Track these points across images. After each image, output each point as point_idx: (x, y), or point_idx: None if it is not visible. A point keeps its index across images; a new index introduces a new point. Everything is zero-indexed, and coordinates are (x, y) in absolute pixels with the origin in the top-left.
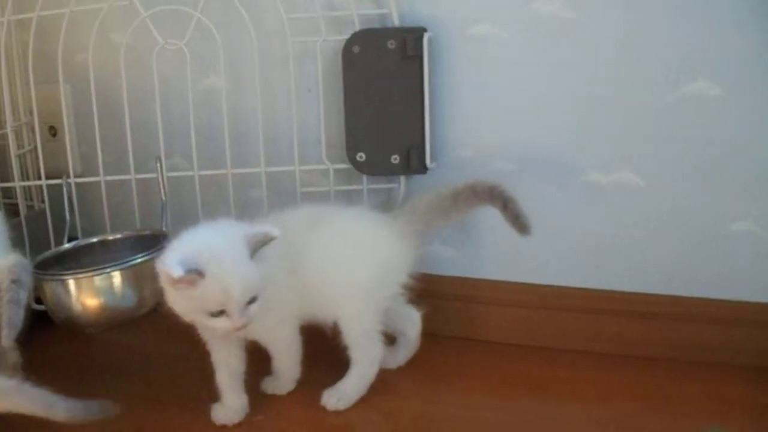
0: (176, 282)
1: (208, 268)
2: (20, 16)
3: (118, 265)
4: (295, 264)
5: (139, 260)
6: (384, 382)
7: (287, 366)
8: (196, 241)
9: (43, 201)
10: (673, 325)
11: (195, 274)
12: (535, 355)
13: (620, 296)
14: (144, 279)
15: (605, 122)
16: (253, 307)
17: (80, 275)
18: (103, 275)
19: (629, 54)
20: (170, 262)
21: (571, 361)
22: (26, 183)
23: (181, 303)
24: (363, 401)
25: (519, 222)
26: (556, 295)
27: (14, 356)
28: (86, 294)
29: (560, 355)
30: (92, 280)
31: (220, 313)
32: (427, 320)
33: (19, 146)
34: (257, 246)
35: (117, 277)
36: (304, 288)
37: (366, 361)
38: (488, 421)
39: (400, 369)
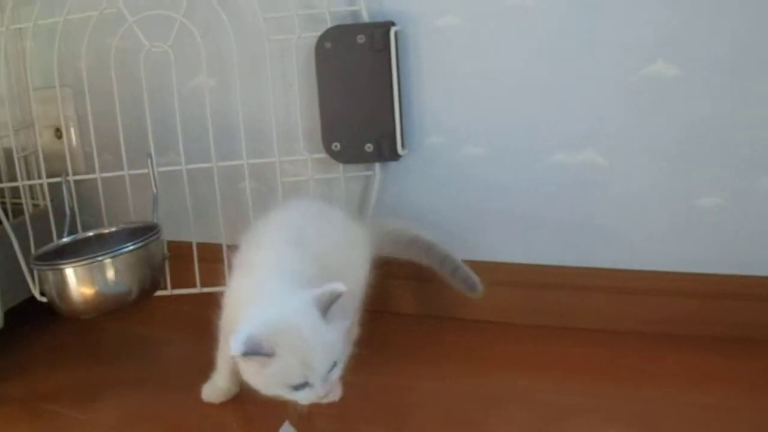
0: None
1: (282, 345)
2: (18, 26)
3: (109, 253)
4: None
5: (129, 248)
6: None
7: None
8: (265, 316)
9: (51, 199)
10: (645, 299)
11: (262, 356)
12: (513, 332)
13: (593, 272)
14: (134, 266)
15: (569, 105)
16: (336, 371)
17: (74, 264)
18: (96, 263)
19: (590, 39)
20: (235, 342)
21: (546, 337)
22: (29, 182)
23: (257, 379)
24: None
25: (467, 284)
26: (531, 273)
27: None
28: (80, 282)
29: (536, 331)
30: (87, 269)
31: (303, 385)
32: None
33: (24, 148)
34: (327, 305)
35: (108, 265)
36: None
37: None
38: (458, 392)
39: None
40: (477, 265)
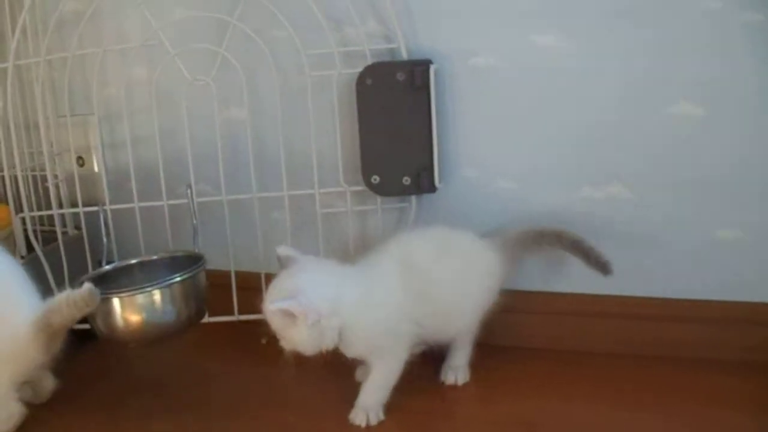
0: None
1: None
2: (57, 56)
3: (159, 284)
4: (422, 291)
5: (178, 279)
6: None
7: (380, 389)
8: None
9: (76, 227)
10: (667, 325)
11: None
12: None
13: (618, 300)
14: (182, 296)
15: (597, 142)
16: None
17: (124, 294)
18: (145, 293)
19: (617, 79)
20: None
21: (581, 362)
22: (65, 210)
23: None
24: None
25: (600, 265)
26: (565, 301)
27: (49, 382)
28: (129, 311)
29: (568, 357)
30: (135, 298)
31: None
32: None
33: (54, 176)
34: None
35: (157, 295)
36: (428, 311)
37: (472, 340)
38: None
39: None
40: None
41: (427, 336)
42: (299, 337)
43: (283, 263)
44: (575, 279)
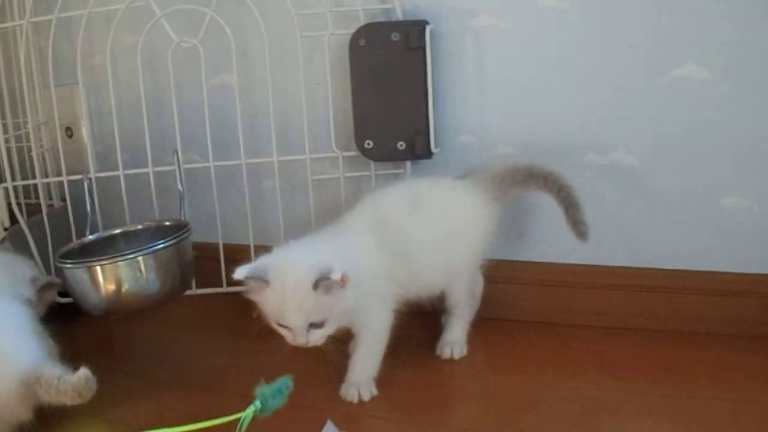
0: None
1: (272, 282)
2: (40, 19)
3: (141, 250)
4: (399, 250)
5: (162, 246)
6: None
7: (368, 360)
8: (280, 254)
9: (62, 199)
10: (670, 297)
11: (259, 281)
12: (545, 330)
13: (621, 271)
14: (166, 264)
15: (600, 106)
16: (319, 332)
17: (105, 262)
18: (127, 261)
19: (621, 41)
20: (243, 267)
21: (575, 335)
22: (48, 180)
23: (261, 304)
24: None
25: (577, 228)
26: (561, 272)
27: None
28: (110, 280)
29: (564, 330)
30: (116, 266)
31: (285, 325)
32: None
33: (38, 148)
34: (321, 278)
35: (140, 263)
36: (410, 272)
37: (467, 311)
38: (497, 390)
39: None
40: (507, 265)
41: (412, 296)
42: (346, 304)
43: (253, 282)
44: (582, 248)
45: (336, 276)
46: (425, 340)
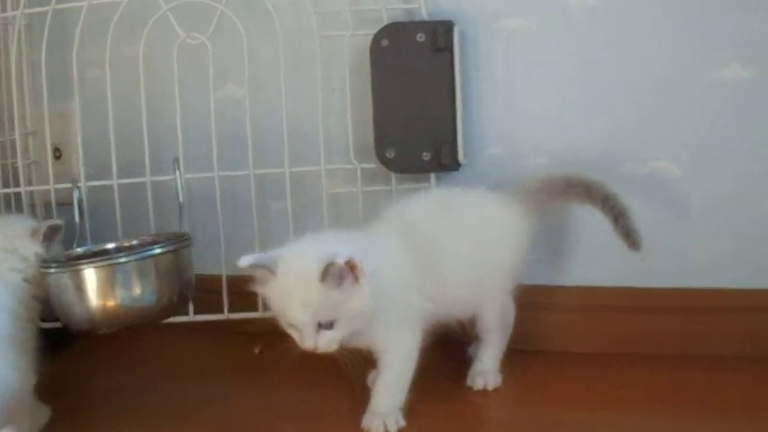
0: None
1: (279, 273)
2: (36, 10)
3: (136, 253)
4: (428, 261)
5: (159, 251)
6: None
7: (394, 388)
8: (292, 245)
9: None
10: (719, 318)
11: (266, 270)
12: (584, 361)
13: (664, 293)
14: (163, 274)
15: (638, 111)
16: (329, 335)
17: (94, 265)
18: (120, 265)
19: (658, 42)
20: (249, 255)
21: (618, 364)
22: (33, 188)
23: (268, 301)
24: None
25: (630, 238)
26: (597, 296)
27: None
28: (100, 287)
29: (607, 360)
30: (107, 271)
31: (293, 325)
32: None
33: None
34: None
35: (133, 269)
36: (440, 285)
37: (500, 338)
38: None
39: None
40: (536, 290)
41: (442, 315)
42: (359, 305)
43: (259, 271)
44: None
45: (340, 260)
46: (453, 371)
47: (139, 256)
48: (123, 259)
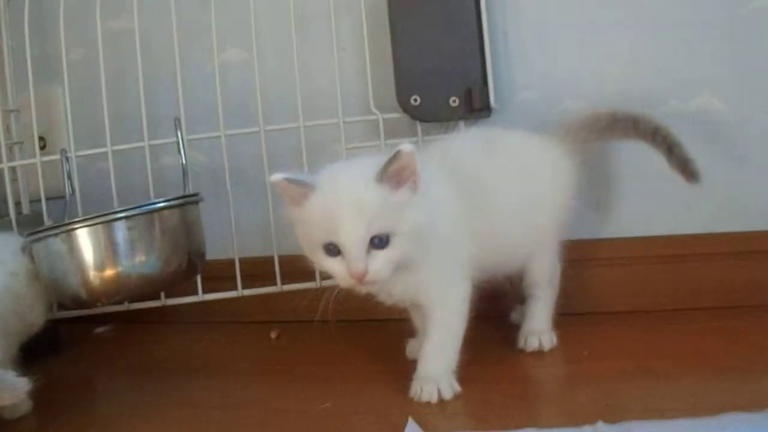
0: (280, 191)
1: (318, 184)
2: None
3: (139, 207)
4: (474, 202)
5: (162, 205)
6: None
7: (446, 347)
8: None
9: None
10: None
11: (301, 186)
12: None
13: (715, 239)
14: (169, 234)
15: (679, 45)
16: (383, 255)
17: (89, 223)
18: (121, 222)
19: None
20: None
21: (675, 318)
22: (16, 163)
23: (299, 233)
24: None
25: (687, 169)
26: (645, 247)
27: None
28: (98, 250)
29: (663, 315)
30: (105, 230)
31: (337, 252)
32: None
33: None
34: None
35: (137, 226)
36: (488, 228)
37: (551, 293)
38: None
39: None
40: (580, 246)
41: (490, 264)
42: (422, 210)
43: (291, 190)
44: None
45: (407, 148)
46: (498, 339)
47: (141, 211)
48: (122, 214)
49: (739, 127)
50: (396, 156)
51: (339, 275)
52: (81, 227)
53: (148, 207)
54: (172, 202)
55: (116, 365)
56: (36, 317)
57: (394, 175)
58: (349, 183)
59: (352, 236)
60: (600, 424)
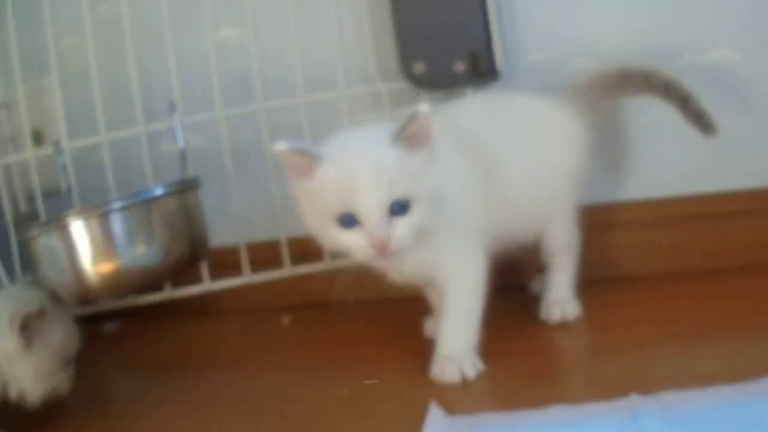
0: (285, 162)
1: (327, 153)
2: None
3: (136, 196)
4: (485, 168)
5: (160, 193)
6: None
7: (465, 323)
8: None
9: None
10: None
11: (307, 156)
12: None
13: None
14: (169, 222)
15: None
16: (404, 222)
17: (84, 215)
18: (118, 213)
19: None
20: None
21: (700, 279)
22: (10, 159)
23: (305, 209)
24: None
25: (702, 121)
26: (664, 207)
27: None
28: (95, 244)
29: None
30: (101, 222)
31: (353, 223)
32: None
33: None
34: (402, 130)
35: (135, 216)
36: (501, 194)
37: (571, 260)
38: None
39: None
40: (596, 210)
41: (505, 233)
42: (436, 177)
43: (297, 161)
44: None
45: (425, 107)
46: (518, 312)
47: (137, 200)
48: (118, 204)
49: (760, 82)
50: (413, 117)
51: (357, 248)
52: (74, 220)
53: (145, 195)
54: (172, 189)
55: (127, 363)
56: (36, 396)
57: (411, 137)
58: (365, 147)
59: (372, 202)
60: (633, 396)
